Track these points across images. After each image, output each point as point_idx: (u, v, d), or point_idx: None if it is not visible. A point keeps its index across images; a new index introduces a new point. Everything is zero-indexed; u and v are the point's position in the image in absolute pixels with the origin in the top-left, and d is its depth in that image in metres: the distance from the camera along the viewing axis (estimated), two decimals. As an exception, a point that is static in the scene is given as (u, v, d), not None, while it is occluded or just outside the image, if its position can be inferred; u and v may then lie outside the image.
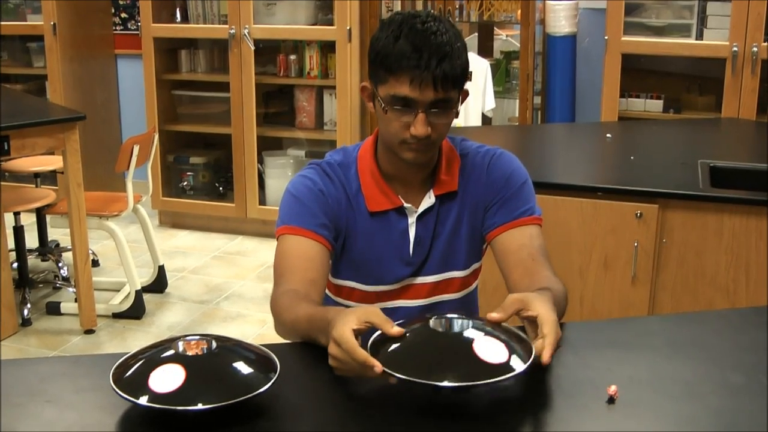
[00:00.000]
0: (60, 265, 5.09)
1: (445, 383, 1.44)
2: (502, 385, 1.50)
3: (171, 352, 1.52)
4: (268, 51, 5.80)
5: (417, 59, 1.79)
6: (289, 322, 1.76)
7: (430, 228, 2.02)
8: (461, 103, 1.94)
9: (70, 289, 4.73)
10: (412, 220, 2.02)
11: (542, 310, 1.58)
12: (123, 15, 6.45)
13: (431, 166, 2.02)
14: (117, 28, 6.49)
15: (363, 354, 1.47)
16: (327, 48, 5.57)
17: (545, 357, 1.51)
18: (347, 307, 2.06)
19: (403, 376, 1.44)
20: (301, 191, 1.97)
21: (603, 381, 1.59)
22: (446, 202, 2.03)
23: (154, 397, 1.42)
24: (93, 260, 5.20)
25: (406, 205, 2.01)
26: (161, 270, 4.93)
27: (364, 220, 2.00)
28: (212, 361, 1.52)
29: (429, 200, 2.01)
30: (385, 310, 2.01)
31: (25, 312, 4.52)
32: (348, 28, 5.31)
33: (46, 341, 4.33)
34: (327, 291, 2.07)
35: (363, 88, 1.98)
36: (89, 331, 4.40)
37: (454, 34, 1.85)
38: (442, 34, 1.82)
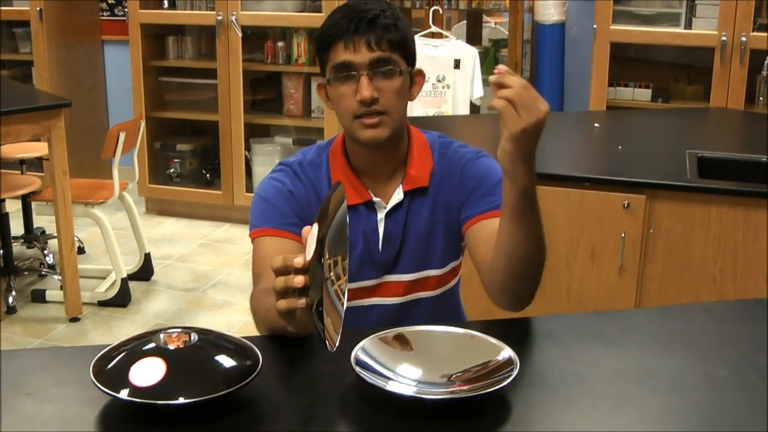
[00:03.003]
0: (45, 252, 5.06)
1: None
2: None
3: (152, 345, 1.51)
4: (255, 38, 5.78)
5: (347, 23, 1.84)
6: (265, 315, 1.75)
7: (400, 224, 2.00)
8: (416, 84, 1.96)
9: (56, 277, 4.71)
10: (381, 215, 1.99)
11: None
12: (110, 1, 6.40)
13: (400, 157, 2.00)
14: (104, 14, 6.44)
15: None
16: (315, 35, 5.53)
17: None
18: None
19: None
20: (270, 193, 1.96)
21: (588, 375, 1.59)
22: (417, 198, 2.00)
23: (135, 390, 1.41)
24: (79, 248, 5.17)
25: (375, 199, 1.98)
26: (147, 257, 4.91)
27: None
28: (193, 355, 1.51)
29: (398, 196, 1.99)
30: (361, 308, 2.01)
31: (10, 300, 4.50)
32: (336, 15, 5.28)
33: (31, 329, 4.31)
34: None
35: (319, 87, 1.97)
36: (74, 319, 4.37)
37: (389, 7, 1.90)
38: (372, 3, 1.88)
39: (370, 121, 1.87)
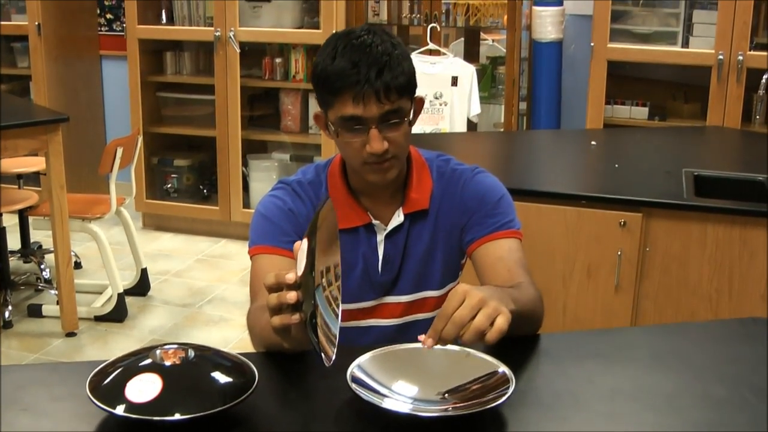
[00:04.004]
0: (42, 267, 5.05)
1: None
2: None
3: (148, 361, 1.51)
4: (253, 54, 5.78)
5: (356, 74, 1.77)
6: (260, 332, 1.74)
7: (400, 246, 1.99)
8: (416, 113, 1.92)
9: (52, 292, 4.70)
10: (380, 238, 1.99)
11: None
12: (108, 16, 6.42)
13: (400, 180, 1.98)
14: (102, 28, 6.46)
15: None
16: (313, 51, 5.55)
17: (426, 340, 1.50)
18: None
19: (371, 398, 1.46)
20: (271, 210, 1.95)
21: (584, 393, 1.58)
22: (417, 221, 1.99)
23: (131, 406, 1.41)
24: (76, 262, 5.17)
25: (374, 222, 1.98)
26: (144, 273, 4.90)
27: None
28: (190, 371, 1.50)
29: (398, 219, 1.98)
30: (359, 329, 2.01)
31: (7, 314, 4.49)
32: (334, 31, 5.29)
33: (26, 344, 4.30)
34: None
35: (316, 117, 1.94)
36: (71, 334, 4.37)
37: (391, 44, 1.82)
38: (377, 45, 1.80)
39: (378, 166, 1.86)
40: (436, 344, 1.49)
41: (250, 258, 1.94)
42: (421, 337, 1.50)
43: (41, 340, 4.35)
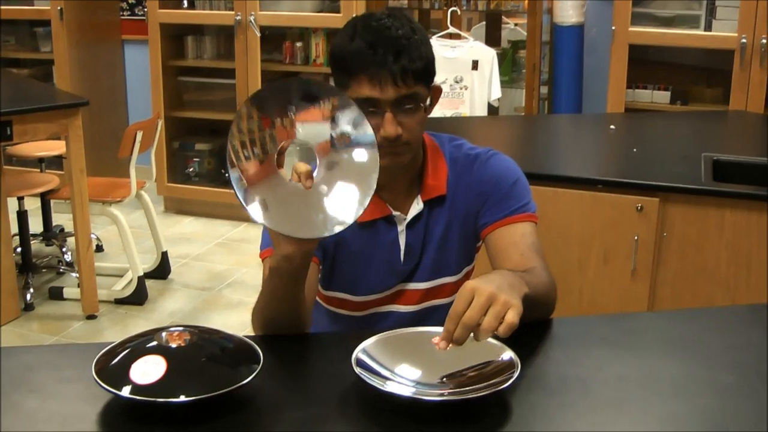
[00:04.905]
0: (64, 250, 5.09)
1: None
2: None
3: (153, 343, 1.52)
4: (274, 38, 5.79)
5: (372, 55, 1.77)
6: (262, 304, 1.76)
7: (420, 235, 1.98)
8: (434, 102, 1.92)
9: (74, 275, 4.73)
10: (401, 228, 1.97)
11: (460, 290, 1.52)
12: (130, 0, 6.44)
13: (416, 168, 1.97)
14: (124, 13, 6.48)
15: None
16: (333, 35, 5.53)
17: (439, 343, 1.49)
18: (340, 316, 2.05)
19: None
20: None
21: (591, 378, 1.58)
22: (435, 208, 1.98)
23: (136, 388, 1.42)
24: (97, 246, 5.21)
25: (394, 213, 1.96)
26: (164, 256, 4.93)
27: (353, 232, 1.92)
28: (194, 353, 1.51)
29: (417, 207, 1.97)
30: (377, 315, 2.00)
31: (28, 297, 4.53)
32: (354, 15, 5.27)
33: (47, 326, 4.34)
34: (319, 300, 2.05)
35: None
36: (91, 317, 4.40)
37: (411, 29, 1.82)
38: (397, 29, 1.80)
39: (390, 150, 1.83)
40: (449, 346, 1.48)
41: (262, 261, 1.91)
42: (435, 339, 1.50)
43: (62, 322, 4.38)
